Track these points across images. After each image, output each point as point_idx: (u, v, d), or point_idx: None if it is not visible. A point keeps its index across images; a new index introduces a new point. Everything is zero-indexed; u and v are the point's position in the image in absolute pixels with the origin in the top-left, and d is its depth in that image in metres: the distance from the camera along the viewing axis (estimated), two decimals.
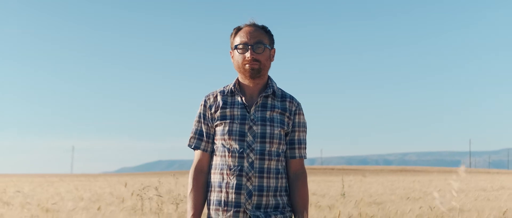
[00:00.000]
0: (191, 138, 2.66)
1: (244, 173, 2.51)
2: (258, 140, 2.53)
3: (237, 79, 2.66)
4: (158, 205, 6.64)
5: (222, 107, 2.60)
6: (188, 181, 2.63)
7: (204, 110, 2.65)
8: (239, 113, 2.57)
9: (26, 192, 16.24)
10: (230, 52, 2.67)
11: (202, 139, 2.63)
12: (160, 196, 5.40)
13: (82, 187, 21.32)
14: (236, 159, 2.52)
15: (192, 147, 2.65)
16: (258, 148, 2.53)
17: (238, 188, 2.50)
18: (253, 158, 2.52)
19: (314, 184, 23.09)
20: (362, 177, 40.15)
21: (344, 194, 10.51)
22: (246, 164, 2.51)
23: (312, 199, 10.24)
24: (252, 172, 2.51)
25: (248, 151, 2.52)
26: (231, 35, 2.66)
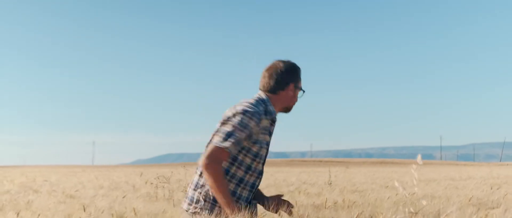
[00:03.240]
0: (232, 143, 2.41)
1: (254, 188, 2.61)
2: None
3: (274, 107, 2.58)
4: (169, 193, 6.67)
5: (266, 134, 2.54)
6: (215, 174, 2.41)
7: (256, 128, 2.46)
8: (270, 140, 2.60)
9: (53, 181, 16.25)
10: (291, 85, 2.56)
11: (237, 148, 2.46)
12: (167, 183, 5.40)
13: (102, 177, 21.32)
14: (257, 179, 2.59)
15: (229, 151, 2.43)
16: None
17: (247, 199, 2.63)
18: (261, 178, 2.63)
19: (305, 174, 23.14)
20: (346, 168, 40.20)
21: (330, 183, 10.57)
22: (258, 182, 2.62)
23: (302, 187, 10.30)
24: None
25: (262, 170, 2.62)
26: (299, 74, 2.60)
